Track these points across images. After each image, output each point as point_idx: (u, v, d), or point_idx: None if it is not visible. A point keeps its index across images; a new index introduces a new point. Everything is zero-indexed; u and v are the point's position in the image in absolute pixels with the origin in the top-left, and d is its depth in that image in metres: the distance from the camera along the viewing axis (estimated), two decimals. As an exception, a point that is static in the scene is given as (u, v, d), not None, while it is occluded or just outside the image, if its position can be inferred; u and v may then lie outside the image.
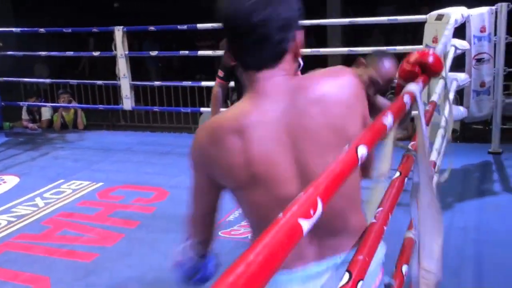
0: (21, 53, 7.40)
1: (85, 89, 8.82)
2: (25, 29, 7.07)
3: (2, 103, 7.10)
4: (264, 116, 1.30)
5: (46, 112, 7.34)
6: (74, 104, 7.36)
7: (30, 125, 7.24)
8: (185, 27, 6.21)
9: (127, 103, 6.54)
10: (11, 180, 5.27)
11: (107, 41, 6.63)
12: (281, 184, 1.31)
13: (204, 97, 8.95)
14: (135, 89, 6.76)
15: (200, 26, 6.21)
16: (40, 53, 7.09)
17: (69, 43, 10.11)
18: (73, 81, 7.33)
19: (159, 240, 3.79)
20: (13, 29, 7.31)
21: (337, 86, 1.31)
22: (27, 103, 7.27)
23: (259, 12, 1.25)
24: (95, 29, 6.86)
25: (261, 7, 1.25)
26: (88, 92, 8.84)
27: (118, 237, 3.88)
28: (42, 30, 6.72)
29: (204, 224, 1.56)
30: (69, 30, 6.74)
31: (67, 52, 6.98)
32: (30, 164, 5.79)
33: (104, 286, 3.28)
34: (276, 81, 1.31)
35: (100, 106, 7.78)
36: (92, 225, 4.10)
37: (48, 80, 7.31)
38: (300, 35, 1.35)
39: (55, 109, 7.29)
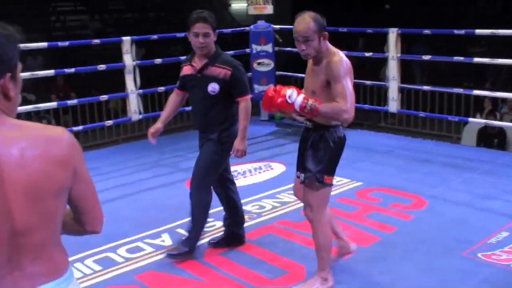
0: (295, 49, 7.82)
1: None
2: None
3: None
4: None
5: (313, 107, 7.67)
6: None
7: (299, 118, 7.63)
8: (462, 31, 5.95)
9: (393, 105, 6.52)
10: (278, 168, 5.63)
11: (376, 42, 6.67)
12: None
13: (470, 106, 8.52)
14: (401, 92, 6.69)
15: (478, 31, 5.90)
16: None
17: (336, 41, 10.40)
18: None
19: (414, 250, 3.72)
20: (291, 26, 7.75)
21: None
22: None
23: None
24: (369, 30, 6.96)
25: None
26: (356, 91, 8.97)
27: (374, 239, 3.89)
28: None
29: None
30: (344, 29, 6.93)
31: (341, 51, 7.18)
32: (295, 155, 6.02)
33: None
34: None
35: (365, 106, 7.87)
36: (349, 222, 4.17)
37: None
38: (7, 79, 1.41)
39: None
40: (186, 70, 3.69)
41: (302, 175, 3.15)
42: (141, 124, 9.03)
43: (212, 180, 3.71)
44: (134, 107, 6.46)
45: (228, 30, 7.84)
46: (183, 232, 4.09)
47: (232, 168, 5.54)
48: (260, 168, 5.63)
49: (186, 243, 3.68)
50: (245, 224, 4.02)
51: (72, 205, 1.57)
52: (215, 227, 4.17)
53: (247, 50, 7.53)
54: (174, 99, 3.84)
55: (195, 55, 3.62)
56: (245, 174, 5.46)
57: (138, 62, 6.57)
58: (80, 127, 6.72)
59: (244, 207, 4.49)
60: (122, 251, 3.82)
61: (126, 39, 6.33)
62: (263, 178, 5.37)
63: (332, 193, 4.74)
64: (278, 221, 4.27)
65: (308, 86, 3.15)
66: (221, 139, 3.61)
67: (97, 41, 6.76)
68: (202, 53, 3.54)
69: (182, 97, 3.84)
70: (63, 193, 1.48)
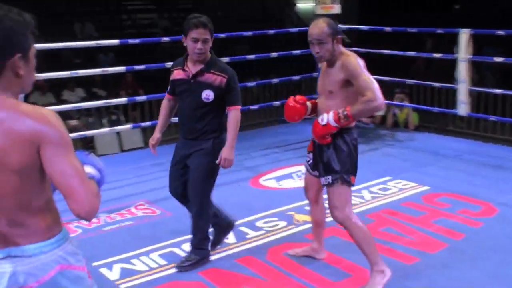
0: (364, 50, 7.73)
1: (420, 89, 8.81)
2: (373, 27, 7.36)
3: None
4: None
5: (380, 109, 7.56)
6: (405, 103, 7.42)
7: (364, 119, 7.55)
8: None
9: (463, 108, 6.33)
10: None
11: (445, 42, 6.50)
12: None
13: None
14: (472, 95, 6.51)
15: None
16: (383, 51, 7.30)
17: (402, 41, 10.20)
18: (410, 81, 7.38)
19: (483, 258, 3.60)
20: (360, 26, 7.66)
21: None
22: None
23: None
24: (440, 31, 6.79)
25: None
26: (422, 92, 8.81)
27: (441, 246, 3.79)
28: (388, 29, 6.92)
29: None
30: (414, 30, 6.79)
31: (407, 52, 7.06)
32: (360, 157, 5.97)
33: (421, 293, 3.26)
34: None
35: (434, 109, 7.68)
36: (415, 227, 4.09)
37: (386, 78, 7.48)
38: (17, 58, 1.60)
39: (388, 107, 7.46)
40: (177, 74, 3.55)
41: (329, 177, 3.19)
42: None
43: (210, 194, 3.66)
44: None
45: (295, 30, 7.83)
46: (246, 230, 4.12)
47: (296, 168, 5.58)
48: (324, 169, 5.59)
49: (197, 253, 3.63)
50: (308, 226, 4.00)
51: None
52: (278, 226, 4.17)
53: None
54: (166, 105, 3.74)
55: (187, 59, 3.51)
56: (309, 174, 5.43)
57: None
58: (148, 123, 6.85)
59: (307, 208, 4.48)
60: (186, 246, 3.87)
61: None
62: (327, 179, 5.32)
63: (397, 197, 4.72)
64: (342, 223, 4.22)
65: (324, 87, 3.25)
66: (215, 147, 3.51)
67: (166, 39, 6.86)
68: (199, 59, 3.45)
69: (174, 102, 3.71)
70: (28, 170, 1.60)
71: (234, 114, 3.52)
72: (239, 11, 16.14)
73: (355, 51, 8.00)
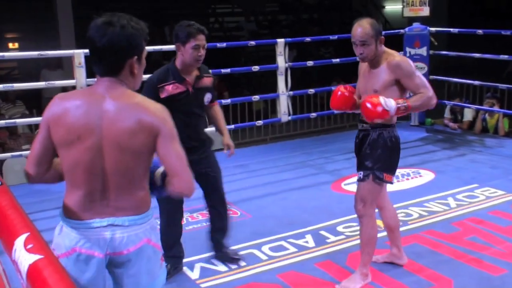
0: (454, 53, 7.51)
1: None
2: (463, 29, 7.13)
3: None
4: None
5: (468, 114, 7.30)
6: (496, 108, 7.12)
7: (451, 124, 7.32)
8: None
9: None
10: (427, 175, 5.44)
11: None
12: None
13: None
14: None
15: None
16: (473, 54, 7.06)
17: (500, 46, 9.81)
18: (502, 85, 7.08)
19: None
20: (451, 29, 7.44)
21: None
22: (451, 102, 7.35)
23: (97, 41, 1.89)
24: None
25: (98, 38, 1.89)
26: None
27: (531, 258, 3.62)
28: (479, 31, 6.68)
29: None
30: (508, 32, 6.52)
31: (500, 56, 6.78)
32: (445, 163, 5.87)
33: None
34: (101, 85, 1.94)
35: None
36: (503, 237, 3.93)
37: (477, 82, 7.23)
38: (134, 60, 1.93)
39: (478, 112, 7.19)
40: (172, 89, 3.39)
41: (362, 172, 3.27)
42: (289, 125, 9.18)
43: None
44: (284, 109, 6.57)
45: (382, 32, 7.71)
46: (326, 234, 4.10)
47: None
48: (408, 174, 5.47)
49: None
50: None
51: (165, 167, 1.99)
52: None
53: (400, 53, 7.34)
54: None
55: (177, 71, 3.41)
56: (392, 180, 5.33)
57: (291, 64, 6.66)
58: (232, 126, 6.96)
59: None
60: (266, 248, 3.91)
61: (281, 41, 6.45)
62: (411, 185, 5.21)
63: (484, 205, 4.55)
64: (425, 230, 4.12)
65: (368, 87, 3.26)
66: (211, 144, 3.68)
67: (252, 42, 6.95)
68: (196, 66, 3.45)
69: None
70: (143, 154, 1.92)
71: (218, 107, 3.76)
72: (326, 14, 16.08)
73: (444, 55, 7.83)
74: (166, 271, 2.15)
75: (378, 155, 3.21)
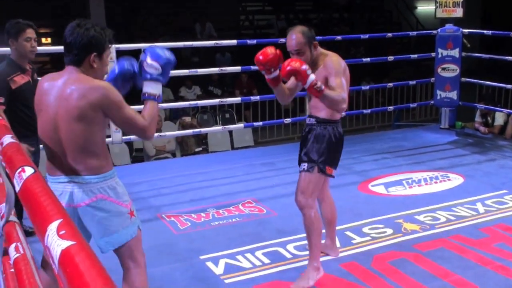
0: (486, 56, 7.40)
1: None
2: (496, 32, 7.02)
3: (460, 103, 7.25)
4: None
5: (499, 118, 7.19)
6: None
7: (482, 128, 7.21)
8: None
9: None
10: (456, 179, 5.37)
11: None
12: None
13: None
14: None
15: None
16: (506, 57, 6.95)
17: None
18: (535, 90, 6.95)
19: None
20: (484, 31, 7.33)
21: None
22: (483, 105, 7.25)
23: (67, 37, 2.40)
24: None
25: (68, 35, 2.40)
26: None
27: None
28: (515, 34, 6.58)
29: None
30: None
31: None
32: (475, 167, 5.79)
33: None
34: (66, 71, 2.44)
35: None
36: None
37: (510, 86, 7.12)
38: (93, 56, 2.40)
39: (508, 116, 7.08)
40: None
41: (305, 164, 3.39)
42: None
43: None
44: (312, 107, 6.53)
45: (414, 33, 7.63)
46: (351, 235, 4.08)
47: (407, 176, 5.45)
48: (436, 177, 5.41)
49: None
50: (416, 235, 3.90)
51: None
52: (385, 234, 4.10)
53: (432, 54, 7.26)
54: None
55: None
56: (420, 182, 5.28)
57: (320, 62, 6.62)
58: (260, 123, 6.98)
59: (416, 217, 4.37)
60: (291, 247, 3.91)
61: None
62: (439, 188, 5.15)
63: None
64: (453, 235, 4.06)
65: None
66: None
67: (282, 40, 6.92)
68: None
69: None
70: (92, 125, 2.35)
71: None
72: (357, 13, 15.98)
73: (476, 57, 7.72)
74: (135, 226, 2.55)
75: (323, 149, 3.36)
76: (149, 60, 2.49)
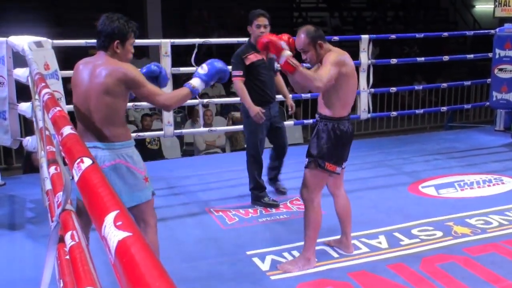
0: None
1: None
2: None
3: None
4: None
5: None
6: None
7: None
8: None
9: None
10: (510, 183, 5.24)
11: None
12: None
13: None
14: None
15: None
16: None
17: None
18: None
19: None
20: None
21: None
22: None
23: (98, 26, 2.86)
24: None
25: (99, 25, 2.86)
26: None
27: None
28: None
29: None
30: None
31: None
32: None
33: None
34: (97, 55, 2.91)
35: None
36: None
37: None
38: (117, 43, 2.84)
39: None
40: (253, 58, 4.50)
41: (307, 159, 3.49)
42: (367, 123, 9.07)
43: None
44: (364, 106, 6.49)
45: (471, 32, 7.47)
46: (400, 236, 4.03)
47: (459, 178, 5.35)
48: (490, 181, 5.30)
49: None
50: (466, 239, 3.84)
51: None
52: (434, 236, 4.04)
53: (489, 54, 7.09)
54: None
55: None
56: (472, 185, 5.17)
57: (374, 61, 6.57)
58: (310, 120, 6.96)
59: (467, 220, 4.29)
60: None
61: (365, 37, 6.38)
62: (492, 191, 5.03)
63: None
64: (505, 240, 3.97)
65: None
66: None
67: (336, 38, 6.91)
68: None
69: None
70: (117, 98, 2.80)
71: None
72: (412, 11, 15.73)
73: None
74: (149, 190, 2.93)
75: (321, 145, 3.43)
76: (204, 65, 3.03)
